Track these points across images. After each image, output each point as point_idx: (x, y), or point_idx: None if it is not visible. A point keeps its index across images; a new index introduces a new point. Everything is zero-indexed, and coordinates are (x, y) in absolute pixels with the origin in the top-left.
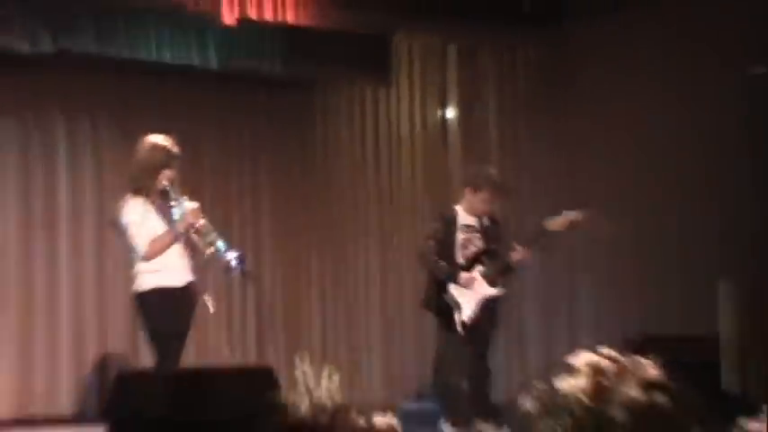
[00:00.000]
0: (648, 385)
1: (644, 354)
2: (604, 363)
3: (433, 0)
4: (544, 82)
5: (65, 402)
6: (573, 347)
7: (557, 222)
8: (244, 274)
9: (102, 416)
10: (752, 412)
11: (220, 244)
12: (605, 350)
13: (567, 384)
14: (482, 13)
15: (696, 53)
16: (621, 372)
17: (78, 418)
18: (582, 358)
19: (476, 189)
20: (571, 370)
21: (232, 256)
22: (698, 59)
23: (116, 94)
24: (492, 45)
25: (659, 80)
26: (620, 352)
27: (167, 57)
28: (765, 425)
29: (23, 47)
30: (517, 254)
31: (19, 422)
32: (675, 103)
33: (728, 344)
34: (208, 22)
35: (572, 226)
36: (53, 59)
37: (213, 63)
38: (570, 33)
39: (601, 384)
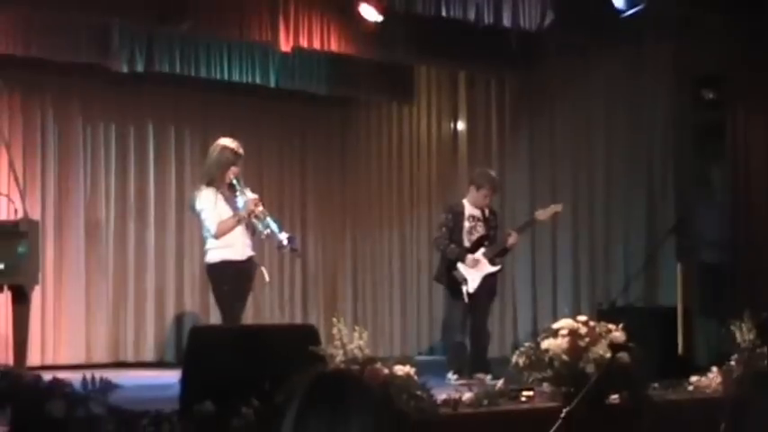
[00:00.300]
0: (615, 346)
1: (612, 320)
2: (580, 327)
3: (444, 39)
4: (524, 105)
5: (149, 350)
6: (555, 314)
7: (545, 213)
8: (293, 251)
9: (179, 362)
10: (700, 371)
11: (275, 227)
12: (581, 317)
13: (549, 344)
14: (478, 52)
15: (639, 85)
16: (593, 335)
17: (160, 363)
18: (562, 323)
19: (479, 187)
20: (553, 332)
21: (284, 237)
22: (640, 90)
23: (195, 106)
24: (485, 76)
25: (612, 106)
26: (593, 319)
27: (236, 77)
28: (709, 381)
29: (122, 67)
30: (511, 238)
31: (112, 365)
32: (624, 122)
33: (683, 315)
34: (269, 50)
35: (556, 216)
36: (146, 78)
37: (272, 83)
38: (544, 69)
39: (577, 344)
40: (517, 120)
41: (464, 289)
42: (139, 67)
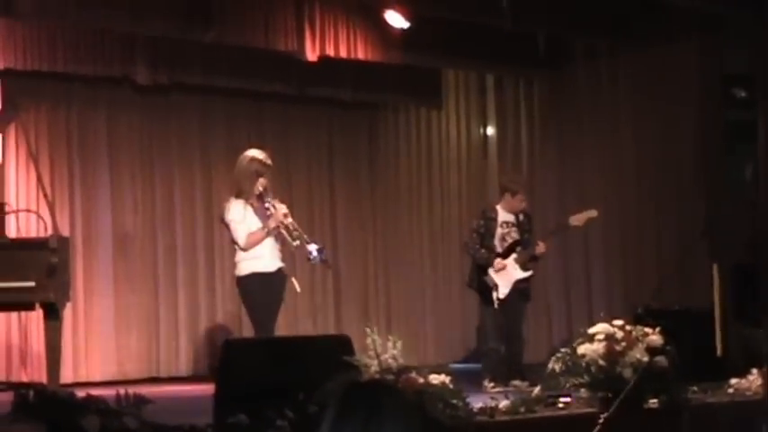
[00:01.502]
0: (652, 350)
1: (648, 324)
2: (616, 331)
3: (472, 42)
4: (553, 107)
5: (183, 364)
6: (590, 319)
7: (579, 218)
8: (323, 262)
9: (213, 375)
10: (738, 374)
11: (304, 238)
12: (617, 321)
13: (585, 349)
14: (506, 54)
15: (668, 85)
16: (630, 339)
17: (194, 377)
18: (598, 328)
19: (514, 193)
20: (589, 337)
21: (313, 248)
22: (670, 90)
23: (220, 115)
24: (514, 79)
25: (641, 106)
26: (629, 322)
27: (262, 85)
28: (749, 383)
29: (147, 79)
30: (539, 248)
31: (146, 380)
32: (653, 123)
33: (720, 316)
34: (295, 59)
35: (590, 221)
36: (170, 88)
37: (298, 90)
38: (573, 71)
39: (613, 349)
40: (546, 122)
41: (494, 295)
42: (164, 79)
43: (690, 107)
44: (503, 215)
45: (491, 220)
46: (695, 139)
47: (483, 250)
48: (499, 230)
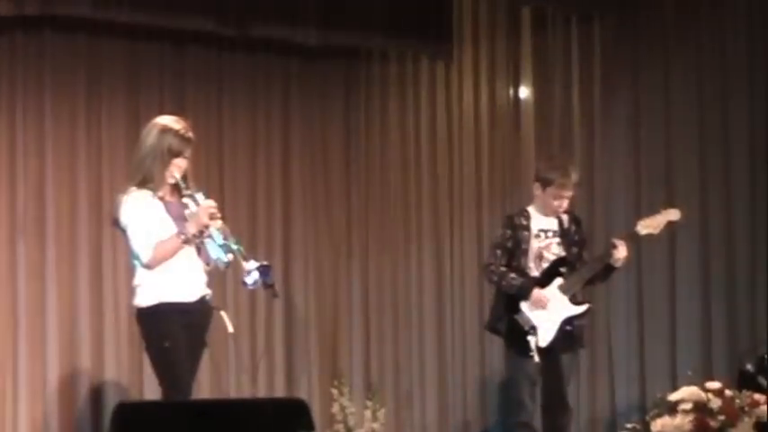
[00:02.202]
0: (765, 427)
1: (760, 388)
2: (711, 398)
3: None
4: (622, 57)
5: None
6: (672, 378)
7: (651, 223)
8: (268, 287)
9: None
10: None
11: (241, 250)
12: (712, 383)
13: (664, 424)
14: None
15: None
16: (731, 410)
17: None
18: (683, 392)
19: (545, 183)
20: (670, 406)
21: (253, 267)
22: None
23: (120, 63)
24: (563, 13)
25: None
26: (731, 386)
27: (185, 21)
28: None
29: (6, 8)
30: (619, 251)
31: None
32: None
33: None
34: None
35: (670, 227)
36: (40, 21)
37: (237, 29)
38: (651, 4)
39: (706, 424)
40: (611, 79)
41: (532, 342)
42: (33, 8)
43: None
44: (537, 220)
45: (522, 228)
46: None
47: (512, 275)
48: (534, 243)
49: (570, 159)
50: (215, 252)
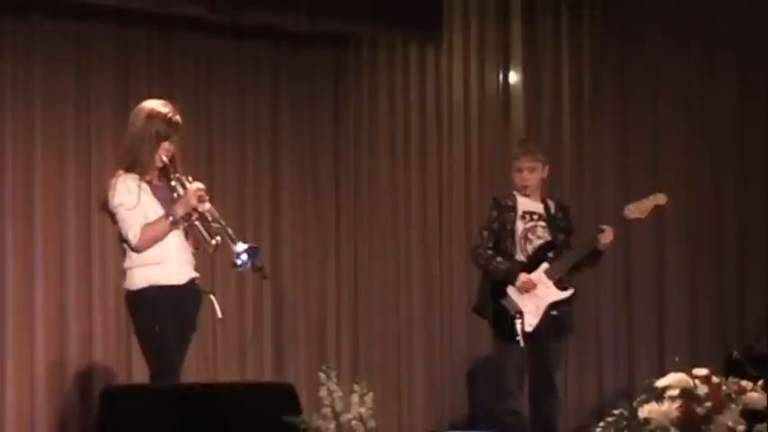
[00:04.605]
0: (753, 415)
1: (748, 375)
2: (698, 385)
3: None
4: (612, 42)
5: (40, 426)
6: (660, 365)
7: (638, 208)
8: (257, 270)
9: None
10: None
11: (229, 233)
12: (700, 369)
13: (651, 410)
14: None
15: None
16: (719, 397)
17: None
18: (670, 379)
19: (513, 160)
20: (657, 393)
21: (242, 249)
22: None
23: (108, 49)
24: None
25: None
26: (719, 373)
27: (174, 7)
28: None
29: None
30: (605, 235)
31: None
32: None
33: None
34: None
35: (657, 212)
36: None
37: (227, 15)
38: None
39: (693, 411)
40: (601, 66)
41: (518, 326)
42: None
43: None
44: (524, 202)
45: (508, 210)
46: None
47: (499, 258)
48: (519, 225)
49: (537, 142)
50: (206, 235)
